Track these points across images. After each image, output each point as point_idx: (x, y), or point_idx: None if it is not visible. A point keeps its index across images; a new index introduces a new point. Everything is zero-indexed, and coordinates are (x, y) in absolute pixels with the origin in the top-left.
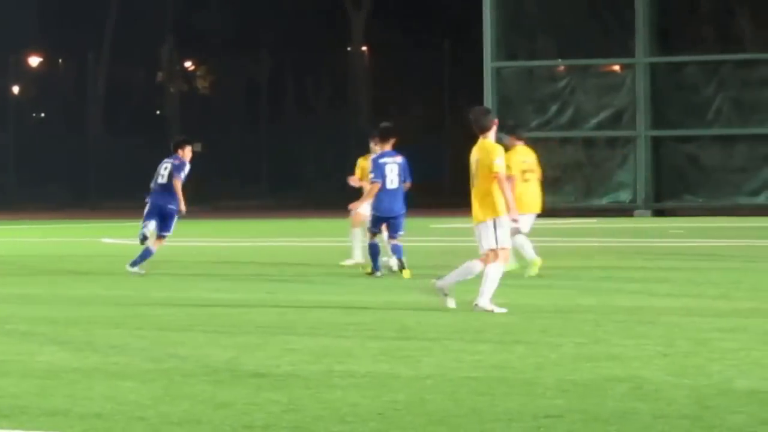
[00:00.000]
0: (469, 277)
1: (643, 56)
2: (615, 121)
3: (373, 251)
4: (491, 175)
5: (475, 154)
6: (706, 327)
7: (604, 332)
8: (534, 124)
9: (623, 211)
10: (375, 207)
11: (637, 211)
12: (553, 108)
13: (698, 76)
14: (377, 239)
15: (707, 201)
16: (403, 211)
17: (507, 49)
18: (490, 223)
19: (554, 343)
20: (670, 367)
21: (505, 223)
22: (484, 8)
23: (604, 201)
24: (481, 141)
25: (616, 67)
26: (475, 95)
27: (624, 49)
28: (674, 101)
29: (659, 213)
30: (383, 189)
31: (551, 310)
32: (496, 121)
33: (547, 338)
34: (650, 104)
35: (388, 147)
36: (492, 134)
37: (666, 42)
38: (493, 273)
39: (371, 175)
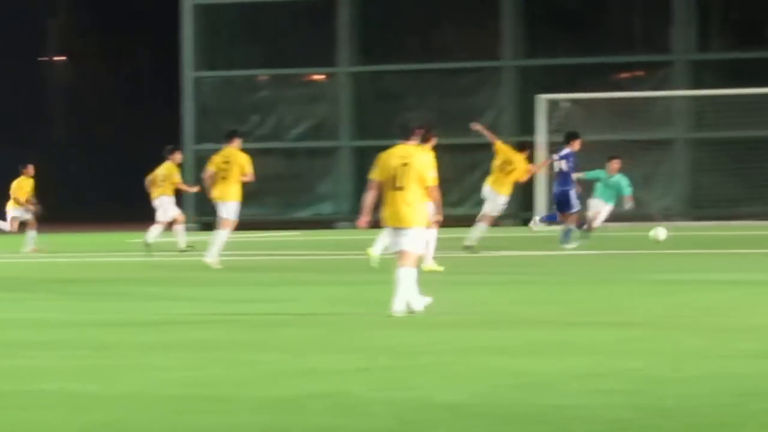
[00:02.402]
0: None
1: (346, 66)
2: (317, 131)
3: None
4: (425, 184)
5: (401, 159)
6: (408, 341)
7: (302, 347)
8: None
9: (325, 223)
10: None
11: (339, 224)
12: (255, 118)
13: (400, 85)
14: None
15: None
16: None
17: (207, 59)
18: (418, 228)
19: (253, 360)
20: (370, 381)
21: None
22: (182, 18)
23: (305, 213)
24: (406, 147)
25: (320, 77)
26: (176, 105)
27: (327, 59)
28: (377, 111)
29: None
30: None
31: (252, 325)
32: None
33: (247, 353)
34: (353, 114)
35: None
36: (416, 141)
37: (369, 52)
38: (408, 276)
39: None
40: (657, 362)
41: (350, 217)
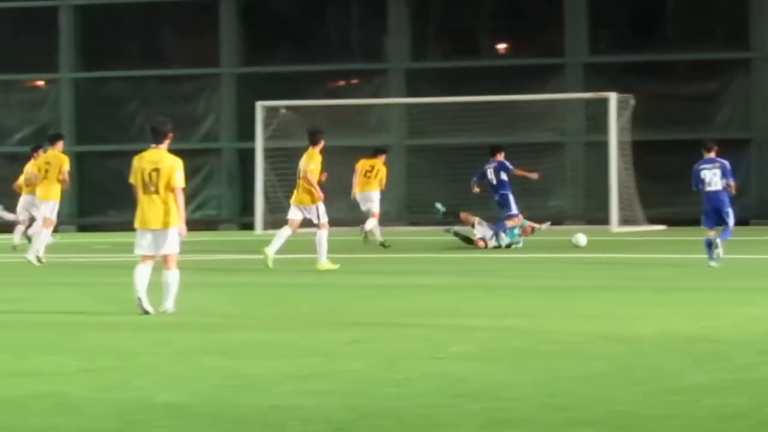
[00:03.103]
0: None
1: (67, 72)
2: (40, 136)
3: None
4: (171, 187)
5: (152, 164)
6: (130, 342)
7: (26, 348)
8: None
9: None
10: None
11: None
12: None
13: (122, 91)
14: None
15: (130, 216)
16: None
17: None
18: (175, 230)
19: None
20: (93, 382)
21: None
22: None
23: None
24: (157, 151)
25: (41, 83)
26: None
27: (49, 65)
28: (99, 117)
29: (83, 229)
30: None
31: None
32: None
33: None
34: (75, 120)
35: None
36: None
37: (91, 58)
38: (174, 278)
39: None
40: (375, 364)
41: (72, 221)
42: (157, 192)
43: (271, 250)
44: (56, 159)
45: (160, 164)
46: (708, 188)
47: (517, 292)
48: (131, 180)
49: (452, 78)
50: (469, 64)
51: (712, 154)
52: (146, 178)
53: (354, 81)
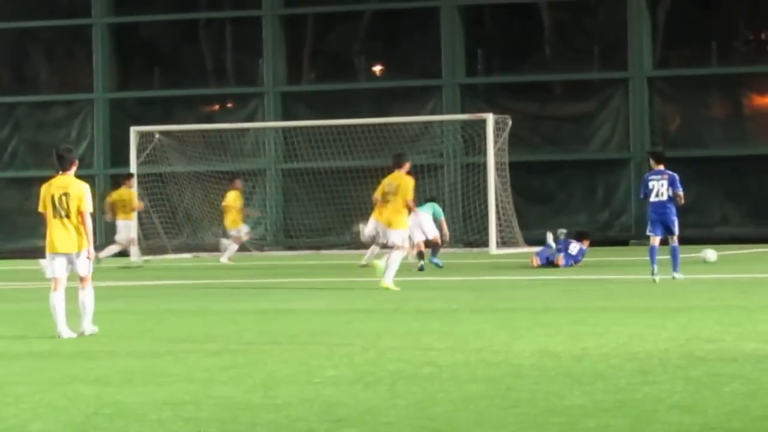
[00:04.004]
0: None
1: None
2: None
3: None
4: (80, 211)
5: (61, 189)
6: (3, 371)
7: None
8: None
9: None
10: None
11: None
12: None
13: None
14: None
15: (4, 244)
16: None
17: None
18: (85, 252)
19: None
20: None
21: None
22: None
23: None
24: (64, 177)
25: None
26: None
27: None
28: None
29: None
30: None
31: None
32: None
33: None
34: None
35: None
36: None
37: None
38: (89, 297)
39: None
40: (251, 389)
41: None
42: (68, 216)
43: (388, 280)
44: None
45: (69, 189)
46: (654, 198)
47: (395, 315)
48: (40, 208)
49: (328, 101)
50: (344, 87)
51: (661, 166)
52: (57, 202)
53: (229, 105)
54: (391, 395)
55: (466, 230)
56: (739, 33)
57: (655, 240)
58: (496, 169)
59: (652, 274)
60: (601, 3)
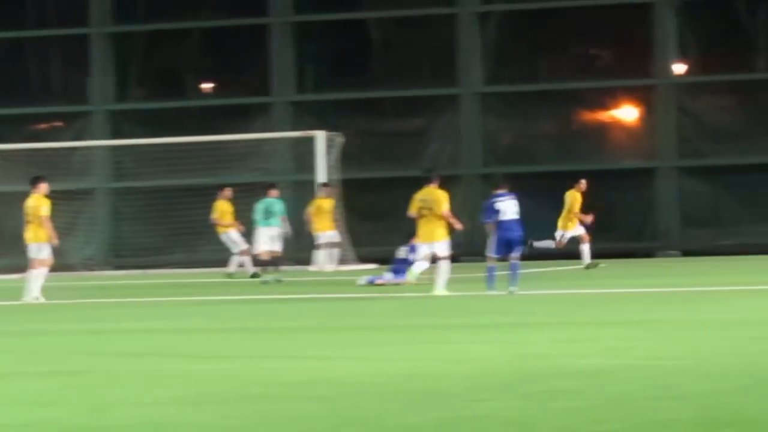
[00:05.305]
0: None
1: None
2: None
3: None
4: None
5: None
6: None
7: None
8: None
9: None
10: None
11: None
12: None
13: None
14: None
15: None
16: None
17: None
18: None
19: None
20: None
21: None
22: None
23: None
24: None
25: None
26: None
27: None
28: None
29: None
30: None
31: None
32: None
33: None
34: None
35: None
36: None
37: None
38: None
39: None
40: (80, 411)
41: None
42: None
43: (440, 287)
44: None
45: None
46: (504, 217)
47: (227, 334)
48: None
49: (157, 119)
50: (174, 105)
51: (505, 190)
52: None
53: (56, 123)
54: (222, 415)
55: (298, 248)
56: (568, 49)
57: (493, 261)
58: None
59: (492, 289)
60: (431, 20)
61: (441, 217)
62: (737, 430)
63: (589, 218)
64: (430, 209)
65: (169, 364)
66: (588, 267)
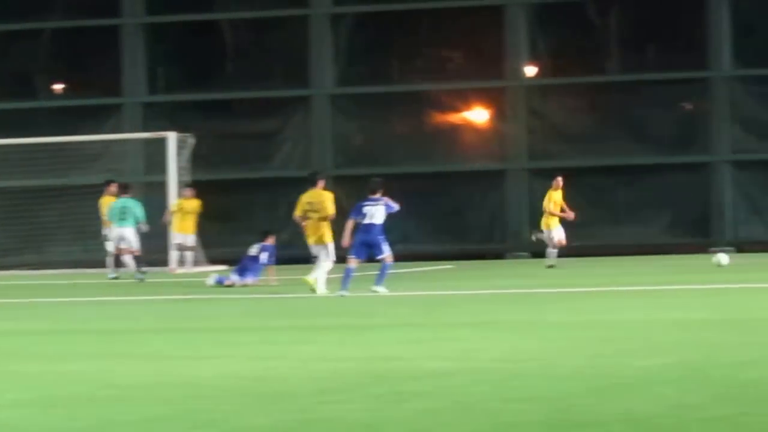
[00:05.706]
0: None
1: None
2: None
3: None
4: None
5: None
6: None
7: None
8: None
9: None
10: None
11: None
12: None
13: None
14: None
15: None
16: None
17: None
18: None
19: None
20: None
21: None
22: None
23: None
24: None
25: None
26: None
27: None
28: None
29: None
30: None
31: None
32: None
33: None
34: None
35: None
36: None
37: None
38: None
39: None
40: None
41: None
42: None
43: (321, 287)
44: None
45: None
46: (366, 221)
47: (75, 336)
48: None
49: (8, 120)
50: (25, 105)
51: (378, 195)
52: None
53: None
54: (69, 418)
55: (149, 249)
56: (420, 51)
57: (353, 263)
58: (179, 188)
59: (345, 290)
60: (283, 21)
61: (327, 219)
62: (588, 431)
63: (571, 215)
64: (317, 211)
65: (16, 366)
66: (550, 267)
